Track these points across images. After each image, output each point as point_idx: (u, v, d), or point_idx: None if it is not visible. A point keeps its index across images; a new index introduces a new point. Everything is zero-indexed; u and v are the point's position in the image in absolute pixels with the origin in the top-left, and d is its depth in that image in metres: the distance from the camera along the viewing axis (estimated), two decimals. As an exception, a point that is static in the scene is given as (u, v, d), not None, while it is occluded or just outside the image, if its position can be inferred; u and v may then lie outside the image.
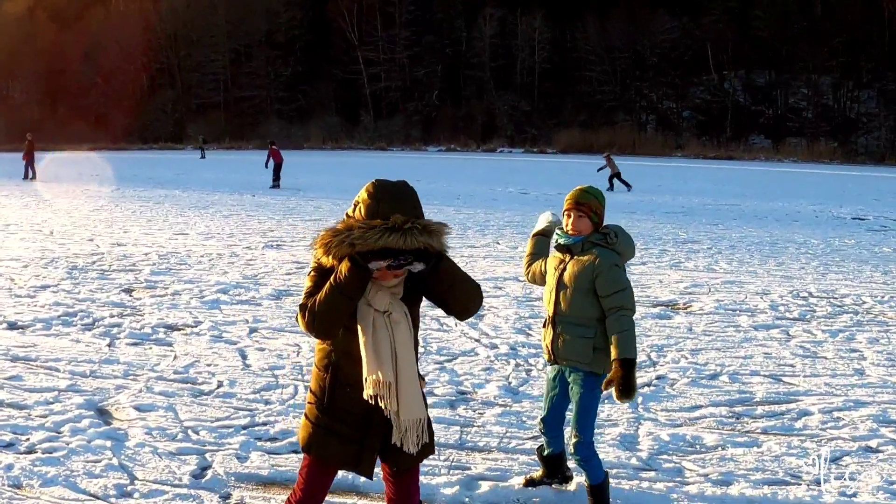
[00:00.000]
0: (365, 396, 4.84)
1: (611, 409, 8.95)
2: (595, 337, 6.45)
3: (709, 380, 10.17)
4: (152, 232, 24.54)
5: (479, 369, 10.42)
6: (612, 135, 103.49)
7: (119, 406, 9.04)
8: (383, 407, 4.84)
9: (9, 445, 7.98)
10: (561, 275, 6.59)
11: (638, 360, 8.79)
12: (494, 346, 11.45)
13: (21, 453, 7.79)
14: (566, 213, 6.67)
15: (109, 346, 11.47)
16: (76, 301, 14.34)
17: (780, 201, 39.15)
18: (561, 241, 6.68)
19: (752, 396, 9.55)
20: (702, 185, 50.13)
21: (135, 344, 11.59)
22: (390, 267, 4.75)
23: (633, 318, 6.43)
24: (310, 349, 11.10)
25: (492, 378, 10.08)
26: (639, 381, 9.63)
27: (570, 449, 6.66)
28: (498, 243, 22.23)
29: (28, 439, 8.11)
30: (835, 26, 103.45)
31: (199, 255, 19.92)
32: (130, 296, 14.89)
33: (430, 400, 8.54)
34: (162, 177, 53.45)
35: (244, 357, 10.91)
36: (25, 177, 50.25)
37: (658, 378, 10.17)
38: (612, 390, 6.24)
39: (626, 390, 6.22)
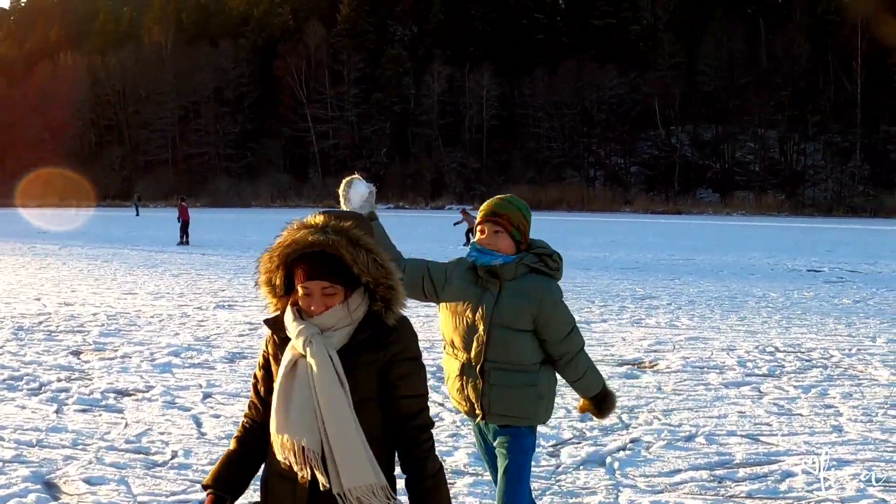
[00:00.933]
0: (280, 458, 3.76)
1: (587, 477, 8.56)
2: (538, 384, 5.46)
3: (685, 441, 9.76)
4: (101, 291, 24.12)
5: (445, 435, 9.93)
6: (561, 191, 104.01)
7: (68, 479, 8.53)
8: (300, 478, 3.75)
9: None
10: (491, 309, 5.38)
11: (609, 423, 8.35)
12: (458, 411, 10.92)
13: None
14: (479, 226, 5.55)
15: (57, 412, 10.96)
16: (22, 364, 13.87)
17: (733, 254, 39.27)
18: (482, 259, 5.44)
19: (731, 458, 9.14)
20: (654, 239, 50.10)
21: (84, 410, 11.09)
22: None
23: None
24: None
25: (460, 445, 9.60)
26: (613, 444, 9.34)
27: None
28: (452, 302, 21.75)
29: None
30: (780, 78, 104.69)
31: (149, 315, 19.48)
32: (79, 358, 14.40)
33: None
34: (110, 234, 53.07)
35: (199, 424, 10.42)
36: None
37: (633, 441, 9.73)
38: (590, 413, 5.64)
39: (610, 409, 5.76)
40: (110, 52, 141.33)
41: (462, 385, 5.52)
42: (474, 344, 5.40)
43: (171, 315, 19.52)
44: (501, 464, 5.53)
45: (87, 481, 8.44)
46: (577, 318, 16.43)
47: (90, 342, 15.90)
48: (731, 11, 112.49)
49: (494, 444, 5.61)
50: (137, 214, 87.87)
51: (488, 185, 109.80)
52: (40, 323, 18.23)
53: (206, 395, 11.85)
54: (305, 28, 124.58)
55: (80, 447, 9.53)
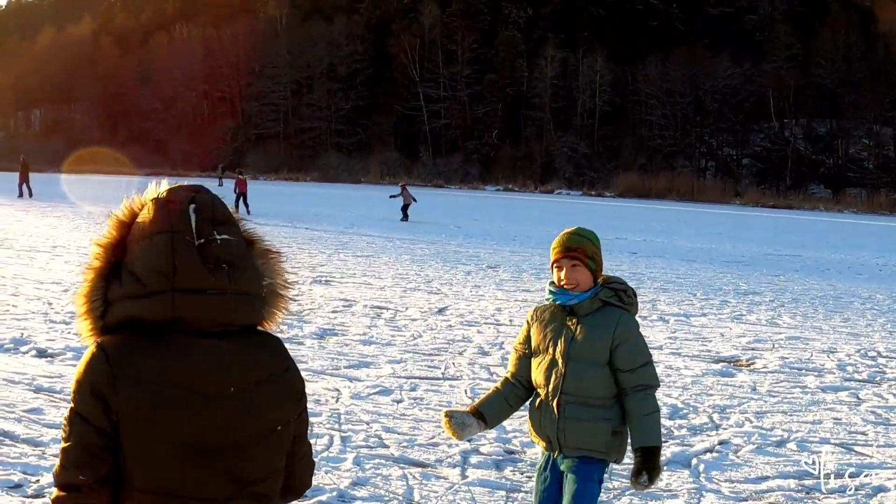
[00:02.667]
0: None
1: (669, 478, 8.27)
2: (613, 419, 5.33)
3: (775, 447, 9.40)
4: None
5: (528, 426, 9.61)
6: (671, 180, 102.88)
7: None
8: None
9: (16, 487, 7.45)
10: (569, 343, 5.32)
11: (699, 422, 8.05)
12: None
13: (27, 497, 7.26)
14: (555, 264, 5.43)
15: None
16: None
17: (841, 252, 38.32)
18: (560, 299, 5.41)
19: (822, 468, 8.67)
20: (761, 233, 49.26)
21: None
22: None
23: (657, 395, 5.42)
24: (350, 394, 10.53)
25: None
26: (701, 445, 9.03)
27: None
28: (553, 288, 21.45)
29: (38, 481, 7.54)
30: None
31: (243, 288, 19.35)
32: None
33: (474, 459, 7.95)
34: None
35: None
36: (20, 196, 53.37)
37: (721, 443, 9.39)
38: (635, 482, 5.22)
39: (655, 478, 5.27)
40: (225, 25, 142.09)
41: (540, 419, 5.49)
42: (552, 378, 5.36)
43: (265, 289, 19.43)
44: (569, 489, 5.34)
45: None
46: (676, 310, 16.09)
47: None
48: (848, 4, 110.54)
49: (563, 467, 5.46)
50: (220, 185, 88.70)
51: (598, 171, 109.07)
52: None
53: (292, 371, 11.66)
54: (420, 6, 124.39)
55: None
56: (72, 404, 2.83)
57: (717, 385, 11.96)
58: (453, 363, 12.46)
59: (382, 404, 10.26)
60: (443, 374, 11.84)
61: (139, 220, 2.95)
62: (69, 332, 13.55)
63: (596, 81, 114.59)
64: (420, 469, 8.17)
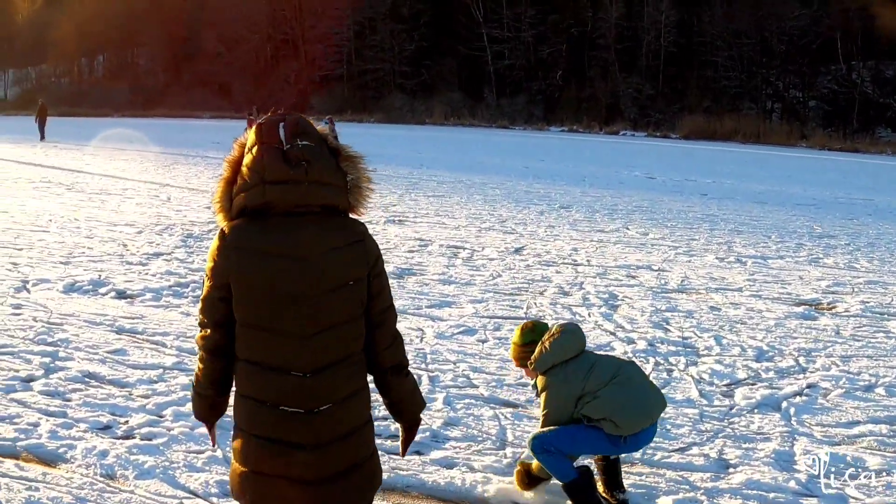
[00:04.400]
0: None
1: (761, 421, 8.21)
2: None
3: (864, 392, 9.27)
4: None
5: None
6: (737, 122, 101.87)
7: (227, 389, 8.42)
8: None
9: (105, 428, 7.54)
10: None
11: (786, 365, 7.96)
12: (631, 342, 10.63)
13: (118, 438, 7.35)
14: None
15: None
16: (189, 271, 13.96)
17: (913, 196, 37.80)
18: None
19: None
20: (831, 176, 48.64)
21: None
22: None
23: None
24: (434, 334, 10.50)
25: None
26: (789, 388, 8.96)
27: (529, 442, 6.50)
28: (627, 228, 21.25)
29: (127, 422, 7.67)
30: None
31: (316, 227, 19.32)
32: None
33: None
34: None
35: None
36: (42, 138, 54.35)
37: (809, 387, 9.28)
38: None
39: None
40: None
41: None
42: None
43: (339, 228, 19.41)
44: None
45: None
46: (753, 252, 15.97)
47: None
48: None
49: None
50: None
51: (663, 112, 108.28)
52: (209, 231, 18.35)
53: (371, 310, 11.62)
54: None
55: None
56: (208, 270, 4.09)
57: (800, 328, 11.80)
58: (535, 303, 12.40)
59: (467, 344, 10.24)
60: (525, 313, 11.78)
61: (248, 142, 4.13)
62: (146, 274, 13.66)
63: (661, 22, 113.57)
64: (511, 409, 8.16)
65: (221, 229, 4.06)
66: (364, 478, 4.28)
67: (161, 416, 7.82)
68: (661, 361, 9.85)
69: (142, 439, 7.29)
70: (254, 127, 4.20)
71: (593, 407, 6.23)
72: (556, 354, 6.42)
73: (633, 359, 9.78)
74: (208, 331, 4.13)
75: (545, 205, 25.38)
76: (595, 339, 10.64)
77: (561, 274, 14.59)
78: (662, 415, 7.36)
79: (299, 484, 4.01)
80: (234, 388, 4.21)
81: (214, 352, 4.13)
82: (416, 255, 16.22)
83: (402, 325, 10.21)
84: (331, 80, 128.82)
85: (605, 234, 19.90)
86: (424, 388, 8.67)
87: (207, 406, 4.35)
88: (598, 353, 7.05)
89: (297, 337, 3.97)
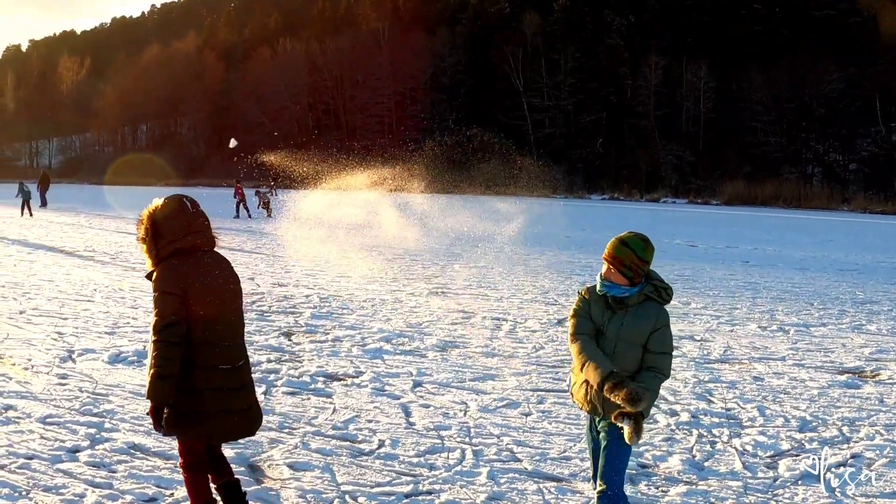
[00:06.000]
0: None
1: (805, 492, 8.11)
2: None
3: (910, 461, 9.16)
4: (314, 273, 24.33)
5: (659, 439, 9.61)
6: (778, 186, 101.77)
7: (272, 462, 8.57)
8: None
9: (150, 500, 7.58)
10: (618, 327, 6.43)
11: (830, 435, 7.97)
12: (674, 413, 10.61)
13: (163, 510, 7.30)
14: (605, 259, 6.56)
15: (265, 394, 11.04)
16: (233, 344, 13.96)
17: (958, 261, 37.50)
18: (612, 292, 6.47)
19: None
20: (872, 241, 48.42)
21: (292, 393, 11.15)
22: None
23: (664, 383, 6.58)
24: (478, 407, 10.50)
25: (674, 450, 9.24)
26: (833, 459, 8.90)
27: (597, 499, 6.54)
28: (669, 298, 21.19)
29: (172, 495, 7.70)
30: None
31: (361, 299, 19.52)
32: (290, 340, 14.50)
33: None
34: (325, 216, 53.62)
35: (408, 414, 10.29)
36: (43, 205, 58.30)
37: (853, 457, 9.21)
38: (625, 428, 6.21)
39: (638, 433, 6.21)
40: (328, 38, 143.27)
41: (587, 390, 6.52)
42: (609, 354, 6.41)
43: (383, 300, 19.51)
44: (603, 443, 6.55)
45: (292, 466, 8.46)
46: (795, 320, 15.89)
47: (302, 324, 15.99)
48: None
49: (599, 426, 6.66)
50: (274, 195, 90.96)
51: (704, 179, 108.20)
52: (253, 303, 18.39)
53: (417, 384, 11.75)
54: (522, 16, 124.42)
55: (287, 431, 9.56)
56: (158, 291, 6.20)
57: (843, 397, 11.73)
58: (578, 375, 12.40)
59: (511, 417, 10.23)
60: (569, 386, 11.77)
61: (160, 211, 6.44)
62: (192, 346, 13.68)
63: (700, 88, 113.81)
64: (555, 483, 8.14)
65: (165, 263, 6.33)
66: (259, 407, 6.88)
67: (207, 490, 7.80)
68: (705, 433, 9.80)
69: (187, 512, 7.26)
70: (173, 200, 6.53)
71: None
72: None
73: (677, 431, 9.81)
74: (177, 323, 6.15)
75: (587, 275, 25.36)
76: (638, 410, 10.56)
77: (603, 345, 14.56)
78: (705, 486, 7.42)
79: (243, 417, 6.58)
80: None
81: (182, 339, 6.18)
82: (458, 327, 16.19)
83: (445, 399, 10.31)
84: (372, 149, 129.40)
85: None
86: (468, 462, 8.69)
87: (172, 387, 6.16)
88: None
89: (231, 322, 6.60)
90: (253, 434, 6.84)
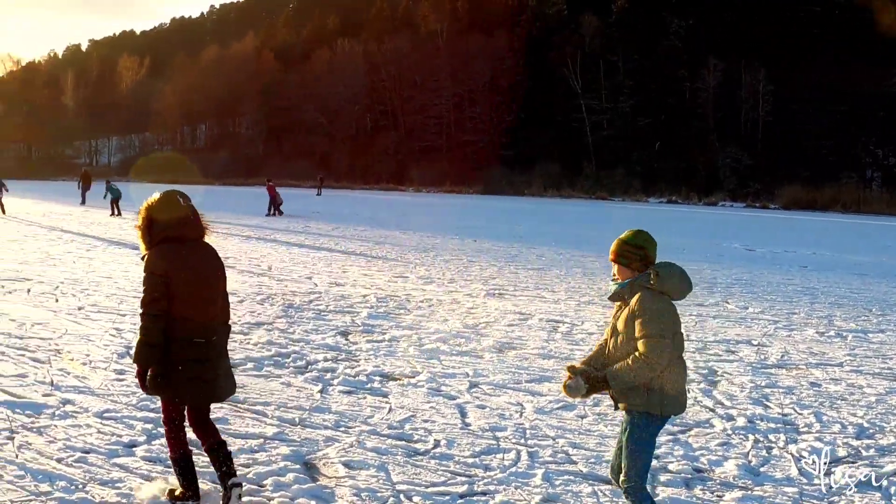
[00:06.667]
0: None
1: (861, 501, 8.04)
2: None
3: None
4: (371, 273, 24.44)
5: (715, 444, 9.54)
6: (837, 191, 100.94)
7: (328, 461, 8.60)
8: None
9: (206, 496, 7.61)
10: (615, 322, 6.70)
11: (887, 442, 8.01)
12: (731, 418, 10.53)
13: (219, 505, 7.39)
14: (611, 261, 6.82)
15: (322, 392, 11.12)
16: (290, 341, 14.10)
17: None
18: (612, 288, 6.76)
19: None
20: (934, 246, 47.98)
21: (348, 392, 11.19)
22: None
23: (649, 372, 6.37)
24: (534, 409, 10.49)
25: (730, 455, 9.19)
26: (890, 466, 8.99)
27: (623, 495, 6.76)
28: (727, 302, 21.12)
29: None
30: None
31: (418, 300, 19.56)
32: (346, 339, 14.56)
33: (663, 477, 7.99)
34: (383, 217, 53.75)
35: (464, 414, 10.31)
36: (83, 203, 60.03)
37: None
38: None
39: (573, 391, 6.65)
40: (386, 39, 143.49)
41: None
42: (608, 348, 6.76)
43: (440, 300, 19.57)
44: (626, 436, 6.65)
45: (347, 465, 8.48)
46: (853, 326, 15.72)
47: (359, 324, 16.05)
48: None
49: (624, 422, 6.75)
50: (319, 194, 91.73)
51: (762, 183, 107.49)
52: (310, 302, 18.49)
53: (473, 385, 11.75)
54: (580, 18, 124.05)
55: (343, 429, 9.60)
56: (146, 272, 7.05)
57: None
58: (634, 378, 12.35)
59: (567, 419, 10.21)
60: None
61: (155, 204, 7.30)
62: (248, 343, 13.83)
63: (758, 91, 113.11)
64: (609, 486, 8.07)
65: (155, 248, 7.19)
66: (233, 377, 7.71)
67: (262, 486, 7.91)
68: (761, 439, 9.75)
69: (242, 508, 7.32)
70: (167, 195, 7.40)
71: (667, 380, 6.46)
72: (677, 288, 6.57)
73: (733, 436, 9.78)
74: (160, 300, 7.04)
75: (643, 278, 25.22)
76: (694, 415, 10.59)
77: (659, 348, 14.49)
78: (761, 492, 7.41)
79: (214, 384, 7.37)
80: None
81: (164, 313, 7.06)
82: (515, 328, 16.15)
83: (501, 400, 10.30)
84: (430, 151, 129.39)
85: (705, 308, 19.78)
86: (523, 463, 8.69)
87: (157, 353, 7.09)
88: None
89: (206, 301, 7.35)
90: (222, 400, 7.91)
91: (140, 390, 7.61)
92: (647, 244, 6.67)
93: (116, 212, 49.83)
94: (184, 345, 7.13)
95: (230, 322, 7.75)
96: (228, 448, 7.58)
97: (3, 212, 47.29)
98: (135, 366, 7.25)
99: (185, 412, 7.53)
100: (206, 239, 7.62)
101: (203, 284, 7.28)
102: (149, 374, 7.18)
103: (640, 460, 6.53)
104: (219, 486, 7.50)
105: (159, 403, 9.71)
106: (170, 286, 7.05)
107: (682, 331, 6.68)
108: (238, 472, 7.98)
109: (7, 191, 48.91)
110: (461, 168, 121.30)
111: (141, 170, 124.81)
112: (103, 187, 53.26)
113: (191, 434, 7.52)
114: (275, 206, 54.49)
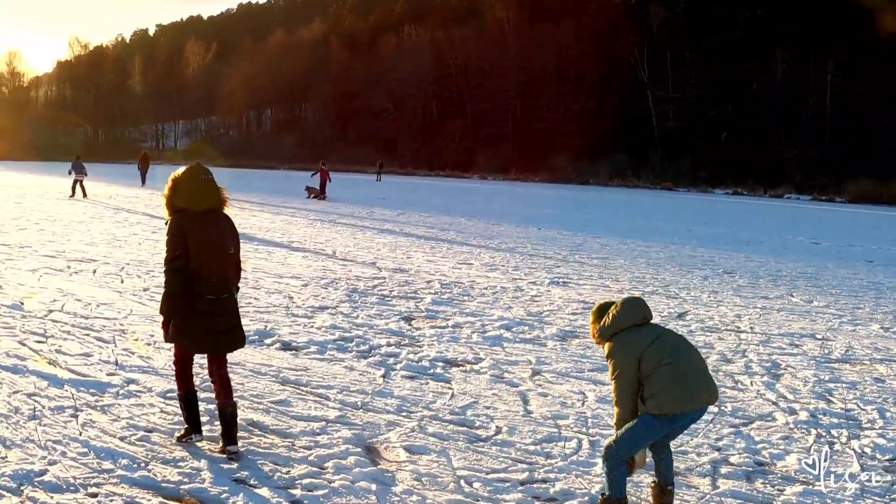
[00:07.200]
0: None
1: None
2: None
3: None
4: (436, 259, 24.48)
5: (777, 437, 9.47)
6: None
7: (389, 445, 8.65)
8: None
9: (267, 477, 7.70)
10: None
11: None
12: (793, 412, 10.43)
13: (279, 488, 7.51)
14: None
15: (384, 377, 11.18)
16: (353, 326, 14.17)
17: None
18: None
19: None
20: None
21: (411, 377, 11.23)
22: None
23: (621, 410, 7.02)
24: (596, 398, 10.49)
25: (792, 449, 9.11)
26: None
27: (602, 455, 7.17)
28: (792, 295, 20.90)
29: (289, 472, 7.83)
30: None
31: (482, 287, 19.56)
32: (410, 325, 14.62)
33: (724, 469, 8.03)
34: (448, 204, 53.77)
35: (526, 402, 10.31)
36: (143, 184, 61.66)
37: None
38: None
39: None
40: (453, 26, 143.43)
41: None
42: None
43: (504, 288, 19.55)
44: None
45: (408, 449, 8.53)
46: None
47: (422, 309, 16.13)
48: None
49: None
50: (378, 179, 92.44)
51: (828, 176, 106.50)
52: (374, 287, 18.57)
53: (536, 372, 11.76)
54: (647, 8, 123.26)
55: (405, 414, 9.65)
56: (169, 234, 8.11)
57: None
58: (697, 369, 12.29)
59: (629, 409, 10.19)
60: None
61: (180, 176, 8.31)
62: (311, 326, 13.91)
63: (826, 83, 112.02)
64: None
65: (175, 216, 8.22)
66: (241, 332, 8.66)
67: (323, 469, 7.94)
68: (823, 433, 9.66)
69: (303, 490, 7.43)
70: (191, 168, 8.47)
71: (649, 382, 6.85)
72: (616, 323, 7.12)
73: (795, 430, 9.72)
74: (181, 257, 8.06)
75: (709, 269, 25.16)
76: (757, 408, 10.53)
77: (723, 341, 14.44)
78: (822, 487, 7.36)
79: (220, 337, 8.40)
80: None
81: (183, 269, 8.07)
82: (579, 317, 16.09)
83: (563, 388, 10.31)
84: (496, 138, 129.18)
85: (769, 301, 19.63)
86: (584, 452, 8.69)
87: (176, 304, 8.14)
88: (669, 329, 7.37)
89: (219, 264, 8.36)
90: (229, 352, 8.65)
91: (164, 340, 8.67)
92: (596, 314, 7.40)
93: None
94: (199, 300, 8.20)
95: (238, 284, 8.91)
96: (237, 410, 8.61)
97: (85, 195, 47.54)
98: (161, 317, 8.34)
99: (207, 364, 8.75)
100: (227, 211, 8.72)
101: (216, 248, 8.32)
102: (171, 324, 8.30)
103: (633, 438, 6.93)
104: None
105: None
106: (188, 245, 8.09)
107: (666, 340, 7.06)
108: (299, 455, 8.11)
109: (86, 175, 49.18)
110: (527, 156, 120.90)
111: (202, 153, 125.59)
112: (224, 173, 52.85)
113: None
114: (321, 189, 55.54)
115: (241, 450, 8.25)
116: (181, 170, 8.51)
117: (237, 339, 8.58)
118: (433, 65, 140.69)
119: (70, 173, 48.99)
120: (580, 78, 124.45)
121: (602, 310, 7.35)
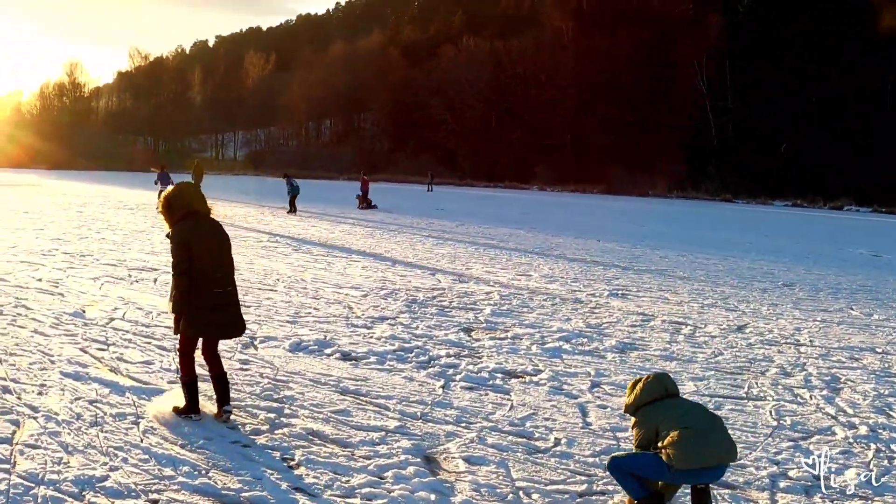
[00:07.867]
0: None
1: None
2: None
3: None
4: (495, 270, 24.45)
5: (836, 451, 9.40)
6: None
7: (448, 455, 8.70)
8: None
9: (327, 486, 7.77)
10: None
11: None
12: (853, 426, 10.38)
13: (338, 496, 7.59)
14: None
15: (444, 387, 11.23)
16: (413, 336, 14.22)
17: None
18: None
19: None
20: None
21: (470, 388, 11.27)
22: None
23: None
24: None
25: (850, 463, 9.05)
26: None
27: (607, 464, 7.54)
28: (852, 309, 20.73)
29: (348, 482, 7.91)
30: None
31: (541, 298, 19.52)
32: (469, 336, 14.64)
33: (783, 483, 8.06)
34: (507, 215, 53.78)
35: (585, 414, 10.33)
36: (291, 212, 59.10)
37: None
38: None
39: None
40: (511, 36, 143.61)
41: None
42: None
43: (563, 299, 19.51)
44: None
45: (468, 460, 8.57)
46: None
47: (482, 320, 16.12)
48: None
49: None
50: (430, 190, 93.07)
51: (890, 188, 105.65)
52: (434, 297, 18.61)
53: (595, 384, 11.76)
54: (706, 19, 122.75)
55: (464, 425, 9.69)
56: (173, 243, 9.29)
57: None
58: (756, 383, 12.25)
59: (688, 422, 10.18)
60: (746, 393, 11.65)
61: (171, 193, 9.68)
62: (371, 337, 13.98)
63: (886, 93, 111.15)
64: (729, 491, 8.12)
65: (178, 224, 9.37)
66: (243, 319, 9.85)
67: (382, 478, 8.00)
68: (883, 448, 9.61)
69: (362, 499, 7.51)
70: (179, 185, 9.88)
71: (661, 439, 7.12)
72: (639, 398, 7.51)
73: (854, 444, 9.67)
74: (185, 262, 9.15)
75: (768, 282, 25.03)
76: (816, 422, 10.48)
77: (783, 354, 14.38)
78: (881, 502, 7.39)
79: (229, 324, 9.60)
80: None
81: (188, 271, 9.14)
82: (637, 329, 16.08)
83: (622, 400, 10.29)
84: (553, 148, 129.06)
85: (829, 314, 19.52)
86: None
87: (185, 301, 9.19)
88: (691, 401, 7.68)
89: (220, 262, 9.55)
90: (231, 338, 10.36)
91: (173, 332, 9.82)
92: (629, 390, 7.78)
93: (293, 210, 47.75)
94: (206, 294, 9.32)
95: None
96: (228, 380, 9.89)
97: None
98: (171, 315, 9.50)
99: (201, 346, 9.74)
100: (213, 216, 9.89)
101: (215, 248, 9.55)
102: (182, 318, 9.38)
103: (640, 463, 7.23)
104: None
105: (284, 393, 10.27)
106: (191, 250, 9.23)
107: (683, 407, 7.38)
108: (359, 464, 8.18)
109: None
110: (585, 167, 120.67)
111: (265, 162, 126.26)
112: (283, 184, 50.92)
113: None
114: (362, 197, 56.57)
115: (298, 457, 8.35)
116: (171, 188, 9.92)
117: (240, 327, 9.85)
118: (491, 74, 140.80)
119: (156, 184, 48.72)
120: (637, 88, 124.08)
121: (632, 388, 7.68)
